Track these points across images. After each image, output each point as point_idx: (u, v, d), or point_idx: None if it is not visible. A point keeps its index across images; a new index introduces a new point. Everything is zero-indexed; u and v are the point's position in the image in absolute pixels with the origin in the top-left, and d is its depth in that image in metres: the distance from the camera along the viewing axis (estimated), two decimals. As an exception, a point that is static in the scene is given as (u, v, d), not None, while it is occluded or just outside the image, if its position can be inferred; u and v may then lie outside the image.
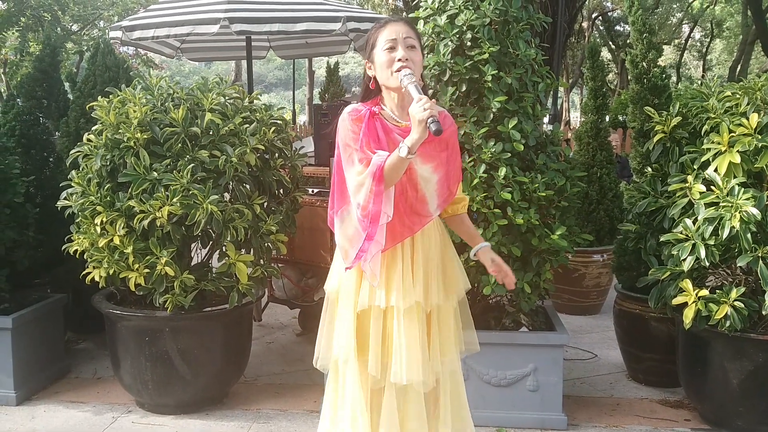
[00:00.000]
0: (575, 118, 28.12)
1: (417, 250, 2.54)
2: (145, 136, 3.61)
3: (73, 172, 3.83)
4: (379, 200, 2.35)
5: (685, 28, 28.97)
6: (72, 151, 3.88)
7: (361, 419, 2.52)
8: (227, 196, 3.75)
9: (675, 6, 27.76)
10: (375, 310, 2.48)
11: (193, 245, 3.89)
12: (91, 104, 3.88)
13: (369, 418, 2.52)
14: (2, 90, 11.34)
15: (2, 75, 11.87)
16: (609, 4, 24.85)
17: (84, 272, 3.81)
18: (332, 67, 11.02)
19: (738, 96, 3.68)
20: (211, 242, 3.84)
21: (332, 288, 2.62)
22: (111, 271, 3.65)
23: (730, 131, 3.47)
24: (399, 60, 2.39)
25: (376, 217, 2.37)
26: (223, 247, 3.70)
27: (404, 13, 17.40)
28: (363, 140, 2.40)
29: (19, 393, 3.98)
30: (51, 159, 4.92)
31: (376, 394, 2.55)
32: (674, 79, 26.69)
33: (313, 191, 4.70)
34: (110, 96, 3.85)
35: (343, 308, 2.56)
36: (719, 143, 3.49)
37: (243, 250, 3.79)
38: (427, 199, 2.51)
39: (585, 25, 24.33)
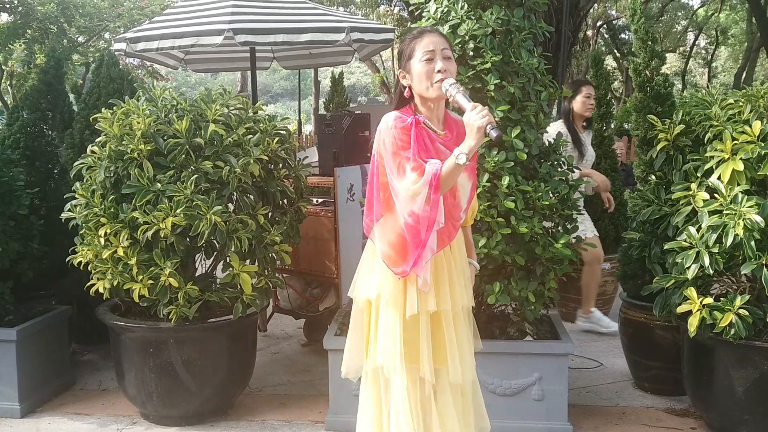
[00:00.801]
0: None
1: (455, 253, 2.62)
2: (149, 148, 3.62)
3: (77, 184, 3.85)
4: (436, 207, 2.39)
5: (690, 36, 28.95)
6: (76, 163, 3.89)
7: (417, 426, 2.54)
8: (231, 206, 3.75)
9: (680, 14, 27.76)
10: (425, 316, 2.52)
11: (197, 256, 3.90)
12: (95, 116, 3.90)
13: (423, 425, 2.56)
14: (8, 102, 11.39)
15: (9, 87, 11.93)
16: (614, 13, 24.84)
17: (88, 284, 3.82)
18: (337, 77, 11.04)
19: (741, 104, 3.67)
20: (215, 253, 3.84)
21: (369, 296, 2.60)
22: (115, 283, 3.66)
23: (733, 139, 3.47)
24: (439, 71, 2.43)
25: (432, 224, 2.41)
26: (227, 258, 3.71)
27: (408, 24, 17.45)
28: (414, 148, 2.42)
29: (23, 405, 3.99)
30: (56, 171, 4.94)
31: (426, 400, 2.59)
32: (679, 86, 26.67)
33: (317, 201, 4.70)
34: (114, 108, 3.86)
35: (387, 315, 2.55)
36: (722, 151, 3.49)
37: (247, 261, 3.79)
38: (461, 205, 2.60)
39: (590, 33, 24.34)
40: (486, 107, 2.31)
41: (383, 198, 2.53)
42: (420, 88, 2.48)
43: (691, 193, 3.61)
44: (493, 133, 2.26)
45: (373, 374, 2.63)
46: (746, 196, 3.33)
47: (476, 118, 2.27)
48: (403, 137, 2.43)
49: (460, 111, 2.41)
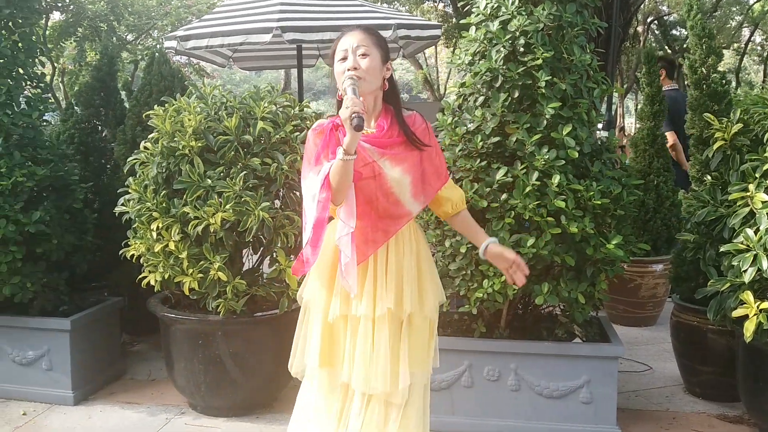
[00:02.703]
0: (630, 124, 27.64)
1: (390, 256, 2.54)
2: (200, 144, 3.67)
3: (130, 179, 3.91)
4: (324, 208, 2.39)
5: (745, 32, 28.22)
6: (129, 159, 3.97)
7: (322, 425, 2.56)
8: (278, 203, 3.78)
9: (734, 9, 27.06)
10: (350, 319, 2.51)
11: (244, 251, 3.93)
12: (147, 113, 3.96)
13: (334, 426, 2.56)
14: (61, 99, 11.65)
15: (60, 84, 12.18)
16: (665, 8, 24.35)
17: (140, 276, 3.89)
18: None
19: (802, 102, 3.56)
20: (262, 248, 3.88)
21: (306, 296, 2.66)
22: (166, 276, 3.71)
23: (794, 138, 3.36)
24: (349, 69, 2.44)
25: (319, 224, 2.41)
26: (274, 254, 3.73)
27: (453, 20, 17.35)
28: (321, 152, 2.45)
29: (76, 393, 4.09)
30: (108, 166, 5.05)
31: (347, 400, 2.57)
32: (733, 84, 26.04)
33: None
34: (165, 105, 3.92)
35: (313, 316, 2.60)
36: (782, 151, 3.38)
37: (293, 257, 3.81)
38: (402, 201, 2.52)
39: (640, 29, 23.91)
40: (356, 99, 2.29)
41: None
42: (340, 89, 2.48)
43: (748, 194, 3.50)
44: (354, 122, 2.23)
45: (308, 370, 2.66)
46: (806, 198, 3.22)
47: (343, 110, 2.28)
48: (315, 142, 2.48)
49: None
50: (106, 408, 4.07)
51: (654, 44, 24.91)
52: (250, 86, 4.17)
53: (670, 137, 5.91)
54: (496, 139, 3.44)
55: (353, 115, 2.24)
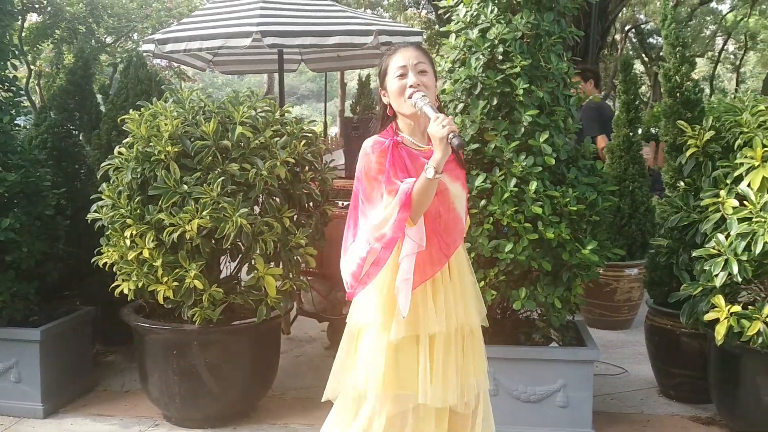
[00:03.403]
0: (606, 130, 27.85)
1: (453, 270, 2.53)
2: (176, 149, 3.64)
3: (104, 185, 3.86)
4: (400, 227, 2.34)
5: (719, 41, 28.61)
6: (103, 164, 3.91)
7: None
8: (257, 209, 3.76)
9: (708, 18, 27.44)
10: (419, 338, 2.44)
11: (222, 258, 3.90)
12: (123, 117, 3.92)
13: None
14: (36, 102, 11.53)
15: (37, 87, 12.06)
16: (642, 17, 24.64)
17: (113, 285, 3.84)
18: (363, 79, 11.05)
19: (772, 110, 3.62)
20: (240, 255, 3.85)
21: (363, 321, 2.54)
22: (140, 284, 3.66)
23: (764, 146, 3.43)
24: (411, 86, 2.40)
25: (390, 244, 2.37)
26: (252, 261, 3.71)
27: (437, 27, 17.43)
28: (390, 171, 2.39)
29: (46, 406, 4.00)
30: (82, 171, 4.96)
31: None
32: (707, 91, 26.37)
33: (343, 204, 4.69)
34: (142, 109, 3.88)
35: (371, 338, 2.49)
36: (752, 158, 3.45)
37: (272, 264, 3.79)
38: (461, 217, 2.53)
39: (618, 37, 24.16)
40: (449, 117, 2.28)
41: (355, 225, 2.52)
42: (396, 105, 2.47)
43: (720, 200, 3.57)
44: (455, 141, 2.23)
45: (351, 401, 2.56)
46: (776, 204, 3.28)
47: (438, 128, 2.25)
48: (380, 161, 2.42)
49: None
50: (77, 421, 3.99)
51: (631, 52, 25.18)
52: (232, 90, 4.14)
53: (602, 141, 6.04)
54: (476, 146, 3.47)
55: (451, 135, 2.23)
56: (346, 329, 2.62)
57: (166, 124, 3.67)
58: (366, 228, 2.45)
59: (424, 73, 2.45)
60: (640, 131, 5.73)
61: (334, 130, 16.53)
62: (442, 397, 2.43)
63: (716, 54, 28.60)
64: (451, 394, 2.45)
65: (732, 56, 30.59)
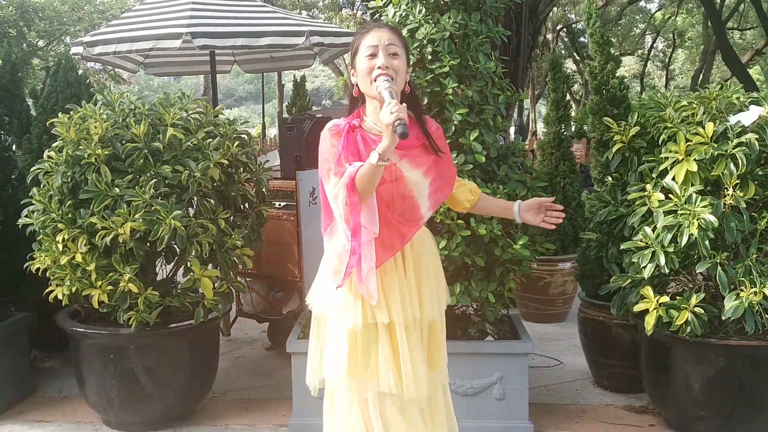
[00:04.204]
0: (542, 128, 28.39)
1: (408, 261, 2.49)
2: (107, 152, 3.59)
3: (34, 189, 3.79)
4: (355, 211, 2.30)
5: (648, 39, 29.46)
6: (32, 168, 3.84)
7: None
8: (191, 211, 3.73)
9: (638, 17, 28.24)
10: (380, 327, 2.42)
11: (157, 261, 3.86)
12: (52, 120, 3.85)
13: None
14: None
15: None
16: (573, 16, 25.19)
17: (47, 290, 3.77)
18: (299, 80, 11.02)
19: (694, 106, 3.74)
20: (175, 258, 3.81)
21: (320, 309, 2.55)
22: (74, 289, 3.60)
23: (687, 140, 3.52)
24: (378, 68, 2.33)
25: (356, 231, 2.33)
26: (188, 263, 3.69)
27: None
28: (342, 154, 2.35)
29: (-19, 414, 3.91)
30: (13, 176, 4.85)
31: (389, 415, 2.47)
32: (638, 89, 27.10)
33: (280, 205, 4.70)
34: (71, 112, 3.82)
35: (334, 327, 2.48)
36: (676, 152, 3.54)
37: (209, 265, 3.78)
38: (419, 205, 2.47)
39: (550, 37, 24.64)
40: (401, 104, 2.21)
41: (327, 207, 2.47)
42: (363, 86, 2.41)
43: (646, 193, 3.67)
44: (398, 130, 2.13)
45: (326, 389, 2.57)
46: (700, 197, 3.39)
47: (386, 114, 2.17)
48: (333, 143, 2.39)
49: None
50: (14, 428, 3.92)
51: (563, 51, 25.69)
52: (170, 92, 4.10)
53: None
54: (407, 144, 3.50)
55: (397, 122, 2.15)
56: (312, 320, 2.62)
57: (95, 127, 3.62)
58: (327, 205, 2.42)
59: (396, 56, 2.37)
60: (571, 129, 5.87)
61: (273, 132, 16.44)
62: (405, 387, 2.40)
63: (646, 52, 29.43)
64: (413, 386, 2.41)
65: (661, 54, 31.54)
